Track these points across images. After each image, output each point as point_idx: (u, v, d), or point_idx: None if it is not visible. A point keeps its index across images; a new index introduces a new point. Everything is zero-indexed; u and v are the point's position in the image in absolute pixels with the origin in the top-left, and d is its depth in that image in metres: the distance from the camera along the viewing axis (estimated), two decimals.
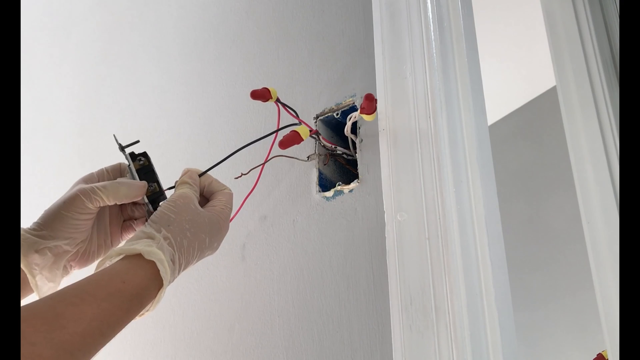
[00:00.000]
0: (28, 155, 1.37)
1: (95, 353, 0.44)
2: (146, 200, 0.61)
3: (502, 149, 2.24)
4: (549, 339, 2.00)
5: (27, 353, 0.38)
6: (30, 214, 1.05)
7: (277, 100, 0.76)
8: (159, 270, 0.50)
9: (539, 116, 2.24)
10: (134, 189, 0.60)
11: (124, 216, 0.65)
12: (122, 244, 0.64)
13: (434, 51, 0.74)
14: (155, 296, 0.50)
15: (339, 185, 0.77)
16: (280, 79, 0.91)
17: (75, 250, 0.59)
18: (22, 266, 0.55)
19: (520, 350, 0.64)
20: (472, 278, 0.63)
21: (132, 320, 0.49)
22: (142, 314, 0.51)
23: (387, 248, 0.68)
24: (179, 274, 0.54)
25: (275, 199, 0.84)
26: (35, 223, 0.57)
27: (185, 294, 0.89)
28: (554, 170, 2.08)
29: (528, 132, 2.29)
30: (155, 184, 0.62)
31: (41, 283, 0.56)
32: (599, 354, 0.96)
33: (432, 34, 0.75)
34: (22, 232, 0.55)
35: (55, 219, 0.57)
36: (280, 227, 0.81)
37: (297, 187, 0.82)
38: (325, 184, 0.80)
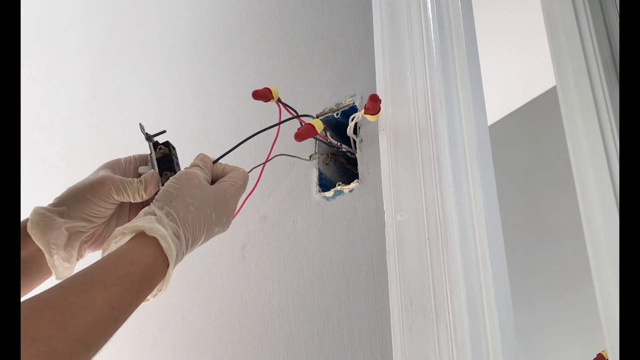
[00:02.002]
0: (28, 154, 1.37)
1: (109, 339, 0.43)
2: (160, 187, 0.61)
3: (502, 149, 2.24)
4: (549, 338, 2.00)
5: (42, 346, 0.37)
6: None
7: (279, 100, 0.76)
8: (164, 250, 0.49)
9: (539, 116, 2.23)
10: (148, 187, 0.60)
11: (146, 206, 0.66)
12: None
13: (434, 51, 0.74)
14: (165, 275, 0.49)
15: (339, 185, 0.77)
16: (280, 78, 0.91)
17: (91, 232, 0.59)
18: (40, 245, 0.55)
19: (520, 350, 0.64)
20: (472, 278, 0.63)
21: (147, 304, 0.49)
22: (156, 295, 0.50)
23: (387, 248, 0.68)
24: (187, 250, 0.53)
25: (275, 199, 0.84)
26: (56, 199, 0.57)
27: (185, 294, 0.89)
28: (554, 170, 2.08)
29: (528, 132, 2.28)
30: (172, 173, 0.61)
31: (58, 263, 0.56)
32: (599, 354, 0.96)
33: (432, 34, 0.75)
34: (41, 209, 0.55)
35: (78, 199, 0.57)
36: (280, 227, 0.81)
37: (297, 187, 0.82)
38: (325, 184, 0.80)
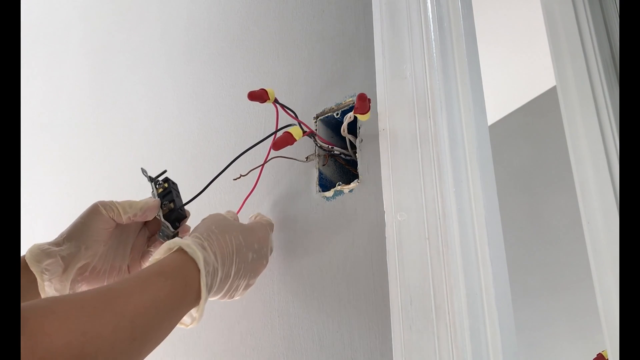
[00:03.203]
0: (28, 154, 1.37)
1: (153, 332, 0.46)
2: (162, 219, 0.66)
3: (502, 149, 2.24)
4: (549, 338, 2.00)
5: (91, 312, 0.40)
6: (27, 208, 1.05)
7: (275, 100, 0.76)
8: (192, 259, 0.53)
9: (539, 116, 2.24)
10: (149, 204, 0.65)
11: (150, 245, 0.70)
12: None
13: (434, 51, 0.74)
14: (199, 282, 0.53)
15: (339, 185, 0.77)
16: (280, 79, 0.91)
17: (85, 262, 0.61)
18: (33, 270, 0.57)
19: (520, 350, 0.64)
20: (472, 278, 0.63)
21: (186, 328, 0.54)
22: (195, 318, 0.54)
23: (387, 248, 0.68)
24: (219, 267, 0.56)
25: (275, 199, 0.84)
26: (59, 235, 0.61)
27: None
28: (554, 170, 2.08)
29: (528, 132, 2.28)
30: (172, 203, 0.67)
31: (49, 289, 0.58)
32: (599, 354, 0.96)
33: (432, 34, 0.75)
34: (40, 244, 0.59)
35: (74, 227, 0.61)
36: (281, 227, 0.81)
37: (297, 187, 0.82)
38: (325, 184, 0.80)
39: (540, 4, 1.11)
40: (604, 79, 0.97)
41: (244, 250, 0.59)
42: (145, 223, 0.68)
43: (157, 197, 0.68)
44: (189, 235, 0.57)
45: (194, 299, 0.52)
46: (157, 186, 0.68)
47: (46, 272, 0.57)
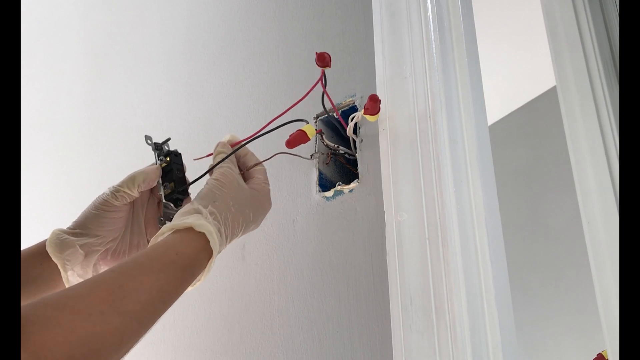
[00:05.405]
0: (28, 155, 1.37)
1: (158, 319, 0.48)
2: (163, 199, 0.65)
3: (502, 149, 2.24)
4: (549, 339, 2.00)
5: (97, 321, 0.41)
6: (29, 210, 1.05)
7: (324, 72, 0.74)
8: (208, 242, 0.53)
9: (539, 116, 2.24)
10: (149, 173, 0.64)
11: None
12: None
13: (434, 51, 0.74)
14: (205, 266, 0.54)
15: (339, 185, 0.77)
16: (280, 78, 0.91)
17: (104, 249, 0.63)
18: (55, 261, 0.59)
19: (520, 350, 0.64)
20: (472, 278, 0.63)
21: (186, 290, 0.54)
22: (194, 284, 0.55)
23: (387, 248, 0.68)
24: (225, 245, 0.58)
25: (275, 199, 0.83)
26: (73, 222, 0.62)
27: (185, 294, 0.89)
28: (554, 170, 2.08)
29: (528, 132, 2.28)
30: (172, 183, 0.65)
31: (72, 278, 0.61)
32: (599, 354, 0.96)
33: (432, 34, 0.75)
34: (59, 231, 0.61)
35: (87, 218, 0.62)
36: (280, 227, 0.81)
37: (297, 186, 0.82)
38: (325, 184, 0.80)
39: (540, 3, 1.11)
40: (604, 79, 0.97)
41: (249, 225, 0.61)
42: (152, 191, 0.69)
43: (157, 162, 0.67)
44: (205, 207, 0.56)
45: (195, 277, 0.54)
46: (160, 160, 0.67)
47: (67, 263, 0.59)
